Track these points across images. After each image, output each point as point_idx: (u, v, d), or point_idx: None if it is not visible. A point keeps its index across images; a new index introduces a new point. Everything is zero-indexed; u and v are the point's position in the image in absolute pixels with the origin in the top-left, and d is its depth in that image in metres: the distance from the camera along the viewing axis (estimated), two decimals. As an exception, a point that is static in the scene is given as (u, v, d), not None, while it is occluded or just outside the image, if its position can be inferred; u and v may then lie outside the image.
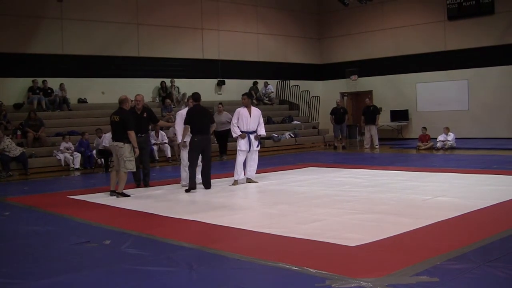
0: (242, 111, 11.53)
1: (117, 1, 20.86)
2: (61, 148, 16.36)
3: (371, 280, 4.69)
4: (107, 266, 5.57)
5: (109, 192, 10.40)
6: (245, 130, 11.43)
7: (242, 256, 5.69)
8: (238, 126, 11.43)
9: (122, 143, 10.03)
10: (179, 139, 11.33)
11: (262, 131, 11.75)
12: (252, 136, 11.49)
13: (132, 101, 11.38)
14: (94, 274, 5.32)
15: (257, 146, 11.68)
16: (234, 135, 11.61)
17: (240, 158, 11.47)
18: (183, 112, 11.31)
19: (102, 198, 10.16)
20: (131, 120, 10.13)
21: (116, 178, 10.32)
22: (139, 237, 6.86)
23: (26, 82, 18.42)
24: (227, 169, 11.76)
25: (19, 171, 15.26)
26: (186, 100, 11.96)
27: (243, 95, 11.87)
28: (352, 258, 5.54)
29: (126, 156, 10.00)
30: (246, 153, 11.50)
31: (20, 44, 18.52)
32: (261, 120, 11.73)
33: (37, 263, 5.83)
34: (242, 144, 11.44)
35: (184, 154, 11.18)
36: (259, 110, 11.86)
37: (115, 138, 10.21)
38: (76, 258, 5.98)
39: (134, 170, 10.44)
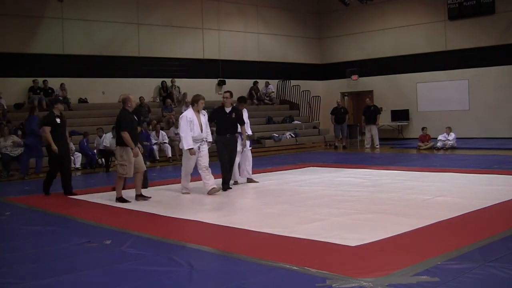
0: None
1: (118, 1, 20.88)
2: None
3: (372, 280, 4.69)
4: (107, 266, 5.57)
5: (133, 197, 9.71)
6: (238, 132, 11.37)
7: (243, 256, 5.69)
8: None
9: (115, 146, 9.69)
10: (187, 145, 10.00)
11: (249, 131, 11.71)
12: (240, 137, 11.43)
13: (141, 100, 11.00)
14: (94, 274, 5.32)
15: (249, 146, 11.66)
16: None
17: (236, 159, 11.41)
18: (187, 114, 10.17)
19: (102, 198, 10.15)
20: (123, 121, 9.51)
21: (138, 181, 9.80)
22: (140, 237, 6.86)
23: (27, 82, 18.43)
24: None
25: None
26: (190, 100, 10.95)
27: (246, 100, 12.16)
28: (353, 258, 5.54)
29: (118, 160, 9.53)
30: (239, 154, 11.42)
31: (20, 44, 18.54)
32: (248, 120, 11.66)
33: (37, 263, 5.83)
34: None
35: (191, 162, 10.23)
36: (246, 110, 11.77)
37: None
38: (76, 258, 5.98)
39: (126, 175, 9.52)
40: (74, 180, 14.51)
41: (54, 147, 10.30)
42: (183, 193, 10.39)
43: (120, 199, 9.55)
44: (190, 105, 10.51)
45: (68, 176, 10.81)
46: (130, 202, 9.46)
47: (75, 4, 19.55)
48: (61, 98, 11.16)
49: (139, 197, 9.70)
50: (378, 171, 12.94)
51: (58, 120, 10.50)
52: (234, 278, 5.06)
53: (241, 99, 11.88)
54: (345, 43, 26.82)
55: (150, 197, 9.76)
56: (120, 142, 9.44)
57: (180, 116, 10.40)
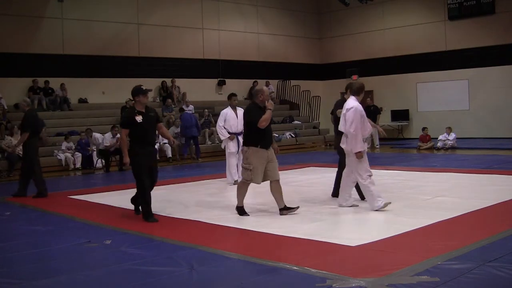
0: (229, 112, 11.42)
1: (118, 1, 20.87)
2: (63, 148, 16.40)
3: (372, 280, 4.68)
4: (107, 266, 5.57)
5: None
6: (233, 132, 11.36)
7: (242, 256, 5.69)
8: (225, 128, 11.38)
9: (242, 147, 8.06)
10: (362, 146, 7.96)
11: None
12: (240, 138, 11.40)
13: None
14: (94, 274, 5.32)
15: None
16: (222, 138, 11.52)
17: (232, 161, 11.38)
18: (358, 107, 7.92)
19: (102, 198, 10.16)
20: (248, 115, 7.91)
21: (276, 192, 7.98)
22: (139, 237, 6.86)
23: (27, 82, 18.42)
24: (222, 170, 11.76)
25: (20, 171, 15.24)
26: (354, 88, 8.29)
27: (234, 95, 11.70)
28: (352, 258, 5.54)
29: (244, 163, 7.86)
30: (236, 155, 11.41)
31: (20, 44, 18.53)
32: None
33: (37, 263, 5.83)
34: (232, 146, 11.37)
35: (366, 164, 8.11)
36: (242, 110, 11.75)
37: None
38: (76, 258, 5.98)
39: (251, 181, 7.85)
40: (75, 180, 14.63)
41: (126, 159, 7.83)
42: (350, 206, 8.16)
43: (240, 210, 8.00)
44: (352, 95, 8.17)
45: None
46: (249, 215, 7.93)
47: (75, 4, 19.55)
48: (143, 87, 8.24)
49: (284, 210, 7.87)
50: (378, 171, 12.89)
51: (139, 119, 7.83)
52: (234, 278, 5.07)
53: (235, 95, 11.77)
54: (345, 43, 26.81)
55: (297, 207, 8.02)
56: (248, 141, 7.87)
57: (350, 108, 7.91)
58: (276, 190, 7.85)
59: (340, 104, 8.70)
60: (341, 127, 8.10)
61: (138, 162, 7.77)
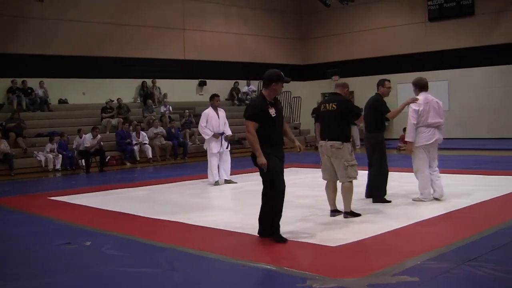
0: (211, 113, 11.43)
1: (99, 1, 20.71)
2: (47, 149, 16.23)
3: (352, 280, 4.71)
4: (87, 268, 5.52)
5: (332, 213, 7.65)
6: (215, 132, 11.39)
7: (223, 257, 5.68)
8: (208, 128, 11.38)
9: (340, 143, 7.28)
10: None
11: (229, 131, 11.72)
12: (222, 137, 11.47)
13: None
14: (74, 276, 5.27)
15: (227, 147, 11.65)
16: (207, 137, 11.48)
17: (214, 161, 11.39)
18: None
19: (82, 199, 10.08)
20: (353, 108, 7.54)
21: (334, 193, 7.62)
22: (121, 238, 6.82)
23: (5, 82, 18.23)
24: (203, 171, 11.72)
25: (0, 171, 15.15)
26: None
27: (216, 95, 11.72)
28: (333, 259, 5.56)
29: (348, 160, 7.27)
30: (218, 155, 11.43)
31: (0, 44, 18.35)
32: (226, 120, 11.72)
33: (17, 266, 5.77)
34: (214, 147, 11.37)
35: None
36: (223, 110, 11.82)
37: (327, 135, 7.46)
38: (56, 260, 5.93)
39: (356, 178, 7.42)
40: (55, 181, 14.50)
41: (262, 159, 6.19)
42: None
43: (352, 213, 7.47)
44: (425, 91, 9.32)
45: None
46: (361, 215, 7.47)
47: (56, 4, 19.36)
48: (284, 76, 6.44)
49: (349, 214, 7.46)
50: (359, 171, 12.96)
51: (272, 112, 6.31)
52: (214, 279, 5.06)
53: (218, 96, 11.86)
54: (326, 44, 26.88)
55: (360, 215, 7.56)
56: (344, 136, 7.34)
57: (439, 102, 9.18)
58: (348, 190, 7.50)
59: (381, 100, 9.21)
60: (413, 120, 8.97)
61: (273, 167, 6.19)
